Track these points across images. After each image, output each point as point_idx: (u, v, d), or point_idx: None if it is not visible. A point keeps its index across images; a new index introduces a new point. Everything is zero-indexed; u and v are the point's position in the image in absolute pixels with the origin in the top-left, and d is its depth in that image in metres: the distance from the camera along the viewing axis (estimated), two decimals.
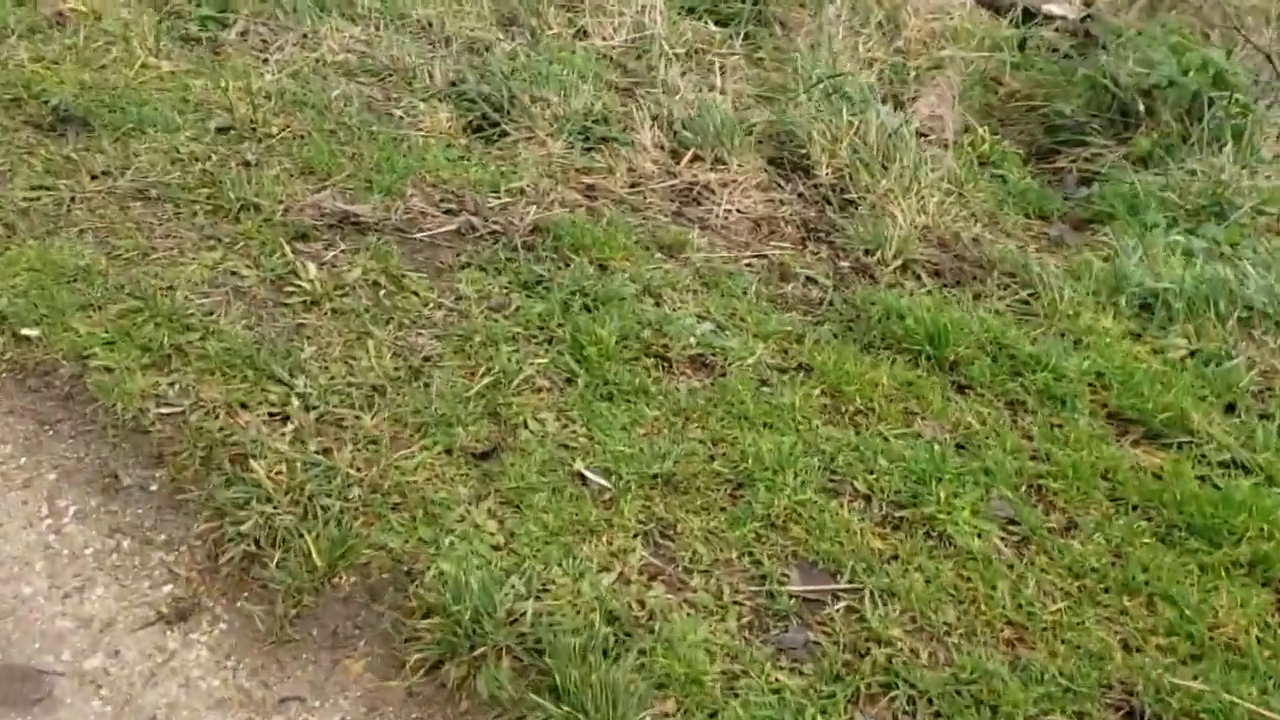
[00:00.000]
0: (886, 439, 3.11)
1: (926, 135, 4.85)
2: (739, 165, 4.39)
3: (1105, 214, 4.62)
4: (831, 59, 5.30)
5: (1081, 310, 3.76)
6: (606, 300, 3.50)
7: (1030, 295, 3.85)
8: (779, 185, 4.40)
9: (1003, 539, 2.84)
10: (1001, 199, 4.65)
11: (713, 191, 4.29)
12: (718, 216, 4.16)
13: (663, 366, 3.30)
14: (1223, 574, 2.78)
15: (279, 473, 2.77)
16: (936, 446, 3.08)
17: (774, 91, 5.18)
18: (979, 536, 2.82)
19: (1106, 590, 2.72)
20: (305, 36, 5.16)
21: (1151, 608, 2.68)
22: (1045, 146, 5.25)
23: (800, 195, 4.38)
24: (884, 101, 5.02)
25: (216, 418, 2.93)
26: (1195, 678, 2.50)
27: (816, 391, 3.25)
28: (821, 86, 4.99)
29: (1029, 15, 6.49)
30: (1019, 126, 5.46)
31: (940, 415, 3.22)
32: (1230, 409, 3.40)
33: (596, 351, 3.27)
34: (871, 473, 2.98)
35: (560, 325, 3.38)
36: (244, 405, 2.98)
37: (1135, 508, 2.97)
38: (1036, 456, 3.12)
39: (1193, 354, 3.63)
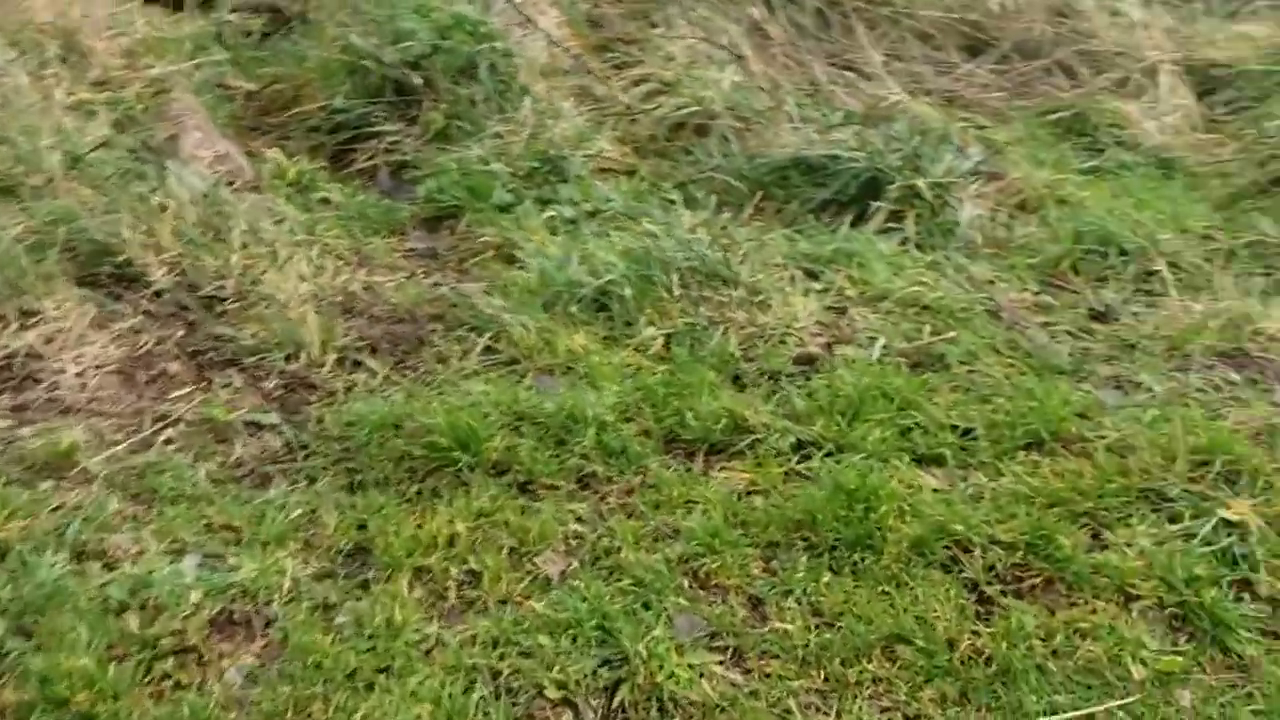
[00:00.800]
0: (537, 612, 2.26)
1: (232, 183, 3.74)
2: (55, 308, 3.00)
3: (453, 206, 3.95)
4: (55, 127, 3.87)
5: (553, 337, 3.11)
6: (52, 601, 2.14)
7: (491, 339, 3.12)
8: (117, 314, 3.10)
9: (723, 664, 2.20)
10: (350, 229, 3.76)
11: (41, 357, 2.89)
12: (73, 389, 2.81)
13: (199, 662, 2.10)
14: (906, 579, 2.40)
15: None
16: (579, 584, 2.31)
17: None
18: (703, 678, 2.15)
19: (846, 663, 2.21)
20: None
21: (893, 657, 2.23)
22: (334, 149, 4.39)
23: (149, 314, 3.12)
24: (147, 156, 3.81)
25: None
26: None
27: (418, 595, 2.28)
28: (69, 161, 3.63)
29: (207, 2, 5.41)
30: (289, 134, 4.50)
31: (546, 538, 2.43)
32: (737, 380, 3.04)
33: (92, 696, 1.98)
34: (561, 671, 2.13)
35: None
36: None
37: (780, 544, 2.49)
38: (650, 534, 2.49)
39: (669, 340, 3.18)
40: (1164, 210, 4.19)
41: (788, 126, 4.38)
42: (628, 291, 3.25)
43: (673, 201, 3.97)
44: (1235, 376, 3.23)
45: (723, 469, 2.72)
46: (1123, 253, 3.81)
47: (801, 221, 3.95)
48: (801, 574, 2.39)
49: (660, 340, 3.15)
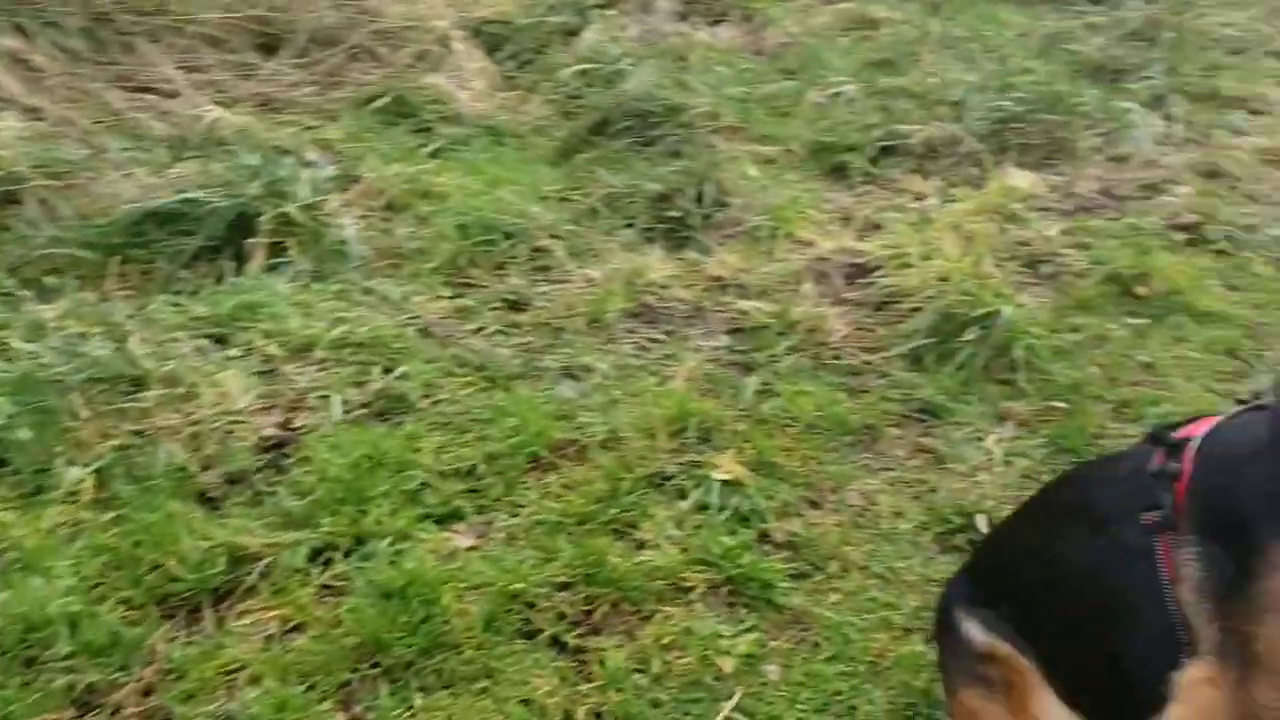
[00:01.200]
0: None
1: None
2: None
3: None
4: None
5: None
6: None
7: None
8: None
9: None
10: None
11: None
12: None
13: None
14: (496, 666, 2.18)
15: None
16: None
17: None
18: None
19: None
20: None
21: None
22: None
23: None
24: None
25: None
26: None
27: None
28: None
29: None
30: None
31: None
32: (207, 500, 2.56)
33: None
34: None
35: None
36: None
37: (354, 682, 2.14)
38: None
39: (101, 476, 2.54)
40: (518, 182, 4.26)
41: (117, 175, 3.73)
42: (25, 433, 2.56)
43: (11, 294, 3.21)
44: (654, 333, 3.41)
45: (242, 614, 2.27)
46: (507, 236, 3.81)
47: (178, 281, 3.40)
48: (393, 709, 2.08)
49: (91, 481, 2.54)
